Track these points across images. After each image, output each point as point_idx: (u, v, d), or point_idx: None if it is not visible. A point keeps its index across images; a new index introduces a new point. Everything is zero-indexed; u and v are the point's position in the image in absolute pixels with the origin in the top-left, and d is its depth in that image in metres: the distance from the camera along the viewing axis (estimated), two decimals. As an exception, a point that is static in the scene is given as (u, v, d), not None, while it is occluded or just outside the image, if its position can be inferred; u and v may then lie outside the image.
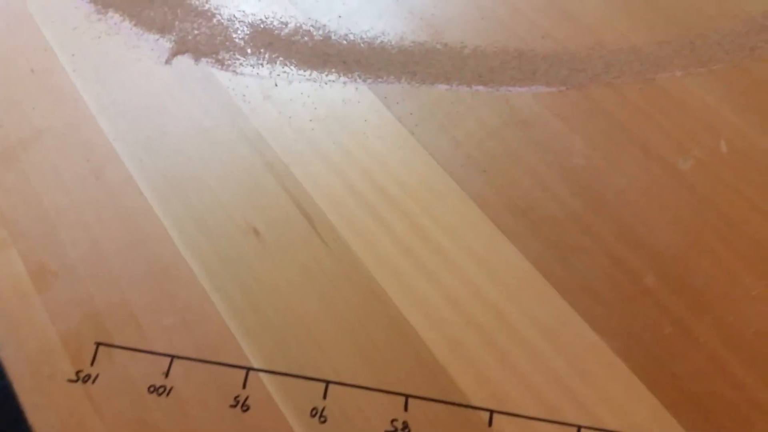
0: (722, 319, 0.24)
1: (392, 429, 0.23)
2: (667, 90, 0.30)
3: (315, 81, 0.31)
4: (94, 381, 0.25)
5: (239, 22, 0.33)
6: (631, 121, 0.29)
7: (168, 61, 0.32)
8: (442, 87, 0.30)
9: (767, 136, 0.28)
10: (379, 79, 0.31)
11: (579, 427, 0.23)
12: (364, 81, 0.31)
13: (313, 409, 0.23)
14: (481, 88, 0.30)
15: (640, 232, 0.26)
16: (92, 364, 0.25)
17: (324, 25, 0.33)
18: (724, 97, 0.29)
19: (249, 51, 0.32)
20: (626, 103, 0.29)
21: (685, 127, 0.29)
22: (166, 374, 0.25)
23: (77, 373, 0.25)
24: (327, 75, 0.31)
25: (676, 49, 0.31)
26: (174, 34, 0.33)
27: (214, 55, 0.32)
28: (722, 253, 0.26)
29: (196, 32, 0.33)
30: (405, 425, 0.23)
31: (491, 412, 0.23)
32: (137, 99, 0.31)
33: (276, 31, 0.33)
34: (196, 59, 0.32)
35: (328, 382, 0.24)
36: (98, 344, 0.25)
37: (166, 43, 0.33)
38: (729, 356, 0.23)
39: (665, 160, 0.28)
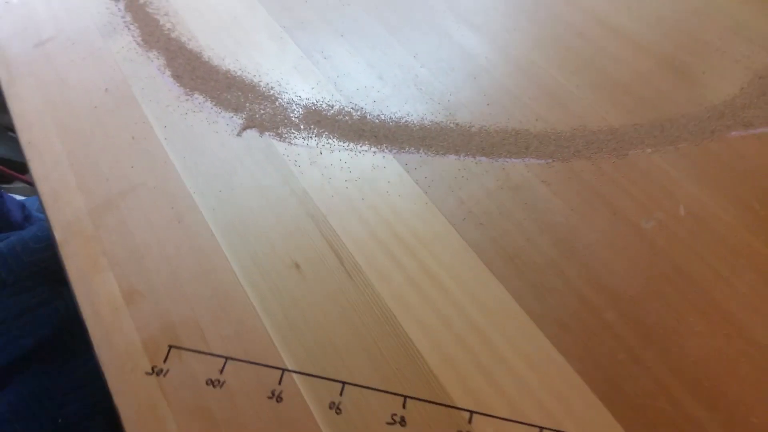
0: (668, 350, 0.29)
1: (392, 421, 0.29)
2: (637, 164, 0.36)
3: (351, 150, 0.39)
4: (165, 374, 0.32)
5: (296, 104, 0.42)
6: (604, 188, 0.35)
7: (239, 134, 0.41)
8: (452, 157, 0.38)
9: (720, 204, 0.34)
10: (402, 150, 0.38)
11: (541, 428, 0.28)
12: (390, 151, 0.38)
13: (332, 402, 0.30)
14: (483, 159, 0.37)
15: (604, 277, 0.32)
16: (165, 361, 0.32)
17: (362, 108, 0.41)
18: (685, 170, 0.35)
19: (302, 127, 0.41)
20: (601, 173, 0.36)
21: (650, 195, 0.35)
22: (221, 371, 0.32)
23: (153, 368, 0.32)
24: (361, 146, 0.39)
25: (648, 130, 0.37)
26: (245, 113, 0.42)
27: (274, 130, 0.41)
28: (672, 297, 0.31)
29: (262, 112, 0.42)
30: (402, 419, 0.29)
31: (471, 412, 0.29)
32: (214, 162, 0.40)
33: (324, 112, 0.41)
34: (261, 133, 0.41)
35: (344, 383, 0.30)
36: (170, 347, 0.33)
37: (238, 120, 0.42)
38: (671, 380, 0.29)
39: (630, 220, 0.34)
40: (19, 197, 0.89)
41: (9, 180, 1.19)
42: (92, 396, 0.61)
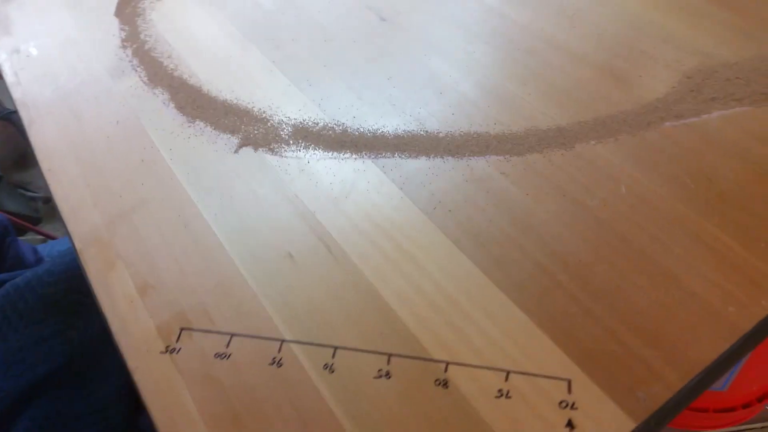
0: (614, 304, 0.34)
1: (378, 375, 0.33)
2: (583, 154, 0.41)
3: (335, 159, 0.44)
4: (178, 352, 0.36)
5: (285, 124, 0.48)
6: (555, 176, 0.40)
7: (236, 151, 0.46)
8: (423, 159, 0.43)
9: (656, 182, 0.39)
10: (380, 156, 0.44)
11: (508, 372, 0.32)
12: (369, 157, 0.44)
13: (326, 364, 0.34)
14: (450, 158, 0.43)
15: (556, 247, 0.37)
16: (177, 341, 0.37)
17: (343, 123, 0.47)
18: (625, 157, 0.41)
19: (291, 142, 0.46)
20: (552, 164, 0.41)
21: (594, 178, 0.40)
22: (227, 345, 0.36)
23: (166, 347, 0.37)
24: (343, 154, 0.44)
25: (591, 126, 0.43)
26: (240, 133, 0.47)
27: (267, 146, 0.46)
28: (617, 260, 0.36)
29: (255, 132, 0.47)
30: (387, 373, 0.33)
31: (447, 363, 0.33)
32: (214, 176, 0.45)
33: (310, 128, 0.47)
34: (255, 149, 0.46)
35: (335, 347, 0.35)
36: (182, 329, 0.37)
37: (235, 140, 0.47)
38: (619, 326, 0.33)
39: (577, 199, 0.39)
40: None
41: (23, 231, 1.24)
42: (105, 421, 0.64)
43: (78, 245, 0.43)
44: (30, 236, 1.31)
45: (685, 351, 0.32)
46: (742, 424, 0.63)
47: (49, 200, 1.55)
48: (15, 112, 1.32)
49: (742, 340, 0.32)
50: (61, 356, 0.66)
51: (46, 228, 1.41)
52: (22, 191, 1.55)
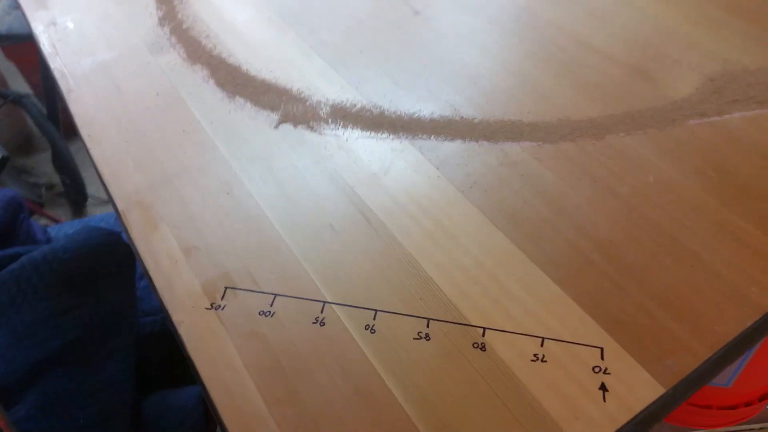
0: (644, 280, 0.36)
1: (418, 337, 0.35)
2: (613, 145, 0.43)
3: (373, 138, 0.46)
4: (223, 309, 0.38)
5: (323, 104, 0.49)
6: (586, 163, 0.42)
7: (276, 127, 0.48)
8: (459, 142, 0.45)
9: (681, 173, 0.41)
10: (417, 137, 0.46)
11: (543, 339, 0.34)
12: (407, 138, 0.46)
13: (367, 325, 0.36)
14: (485, 142, 0.44)
15: (588, 228, 0.39)
16: (222, 299, 0.38)
17: (380, 106, 0.49)
18: (653, 149, 0.43)
19: (330, 121, 0.48)
20: (583, 152, 0.43)
21: (624, 167, 0.42)
22: (271, 304, 0.37)
23: (212, 304, 0.38)
24: (381, 134, 0.46)
25: (621, 119, 0.45)
26: (280, 110, 0.49)
27: (306, 123, 0.48)
28: (645, 241, 0.38)
29: (295, 110, 0.49)
30: (427, 335, 0.35)
31: (484, 329, 0.35)
32: (255, 148, 0.47)
33: (348, 109, 0.49)
34: (295, 125, 0.48)
35: (376, 311, 0.36)
36: (226, 288, 0.39)
37: (275, 116, 0.49)
38: (648, 301, 0.35)
39: (608, 186, 0.41)
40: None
41: (30, 213, 1.25)
42: (111, 398, 0.65)
43: (121, 207, 0.44)
44: (34, 219, 1.31)
45: (711, 326, 0.34)
46: (742, 424, 0.65)
47: (52, 186, 1.55)
48: (25, 96, 1.32)
49: (763, 318, 0.34)
50: (72, 332, 0.66)
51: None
52: (25, 177, 1.55)
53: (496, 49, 0.52)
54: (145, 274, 0.40)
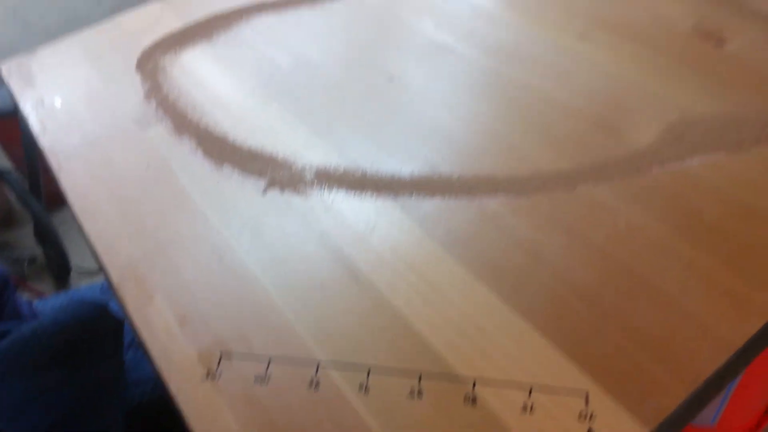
0: (621, 323, 0.38)
1: (411, 395, 0.36)
2: (583, 194, 0.46)
3: (357, 199, 0.48)
4: (219, 377, 0.39)
5: (308, 169, 0.52)
6: (559, 213, 0.45)
7: (264, 193, 0.50)
8: (439, 198, 0.47)
9: (650, 218, 0.44)
10: (398, 196, 0.48)
11: (531, 387, 0.35)
12: (389, 197, 0.48)
13: (361, 384, 0.37)
14: (463, 198, 0.47)
15: (566, 275, 0.41)
16: (217, 367, 0.39)
17: (363, 168, 0.51)
18: (622, 197, 0.45)
19: (315, 184, 0.50)
20: (555, 203, 0.46)
21: (596, 215, 0.44)
22: (266, 369, 0.38)
23: (208, 373, 0.39)
24: (365, 195, 0.48)
25: (588, 169, 0.48)
26: (267, 177, 0.51)
27: (293, 188, 0.50)
28: (622, 286, 0.40)
29: (281, 176, 0.51)
30: (419, 392, 0.36)
31: (474, 381, 0.36)
32: (244, 215, 0.49)
33: (332, 172, 0.51)
34: (282, 191, 0.50)
35: (369, 369, 0.38)
36: (222, 354, 0.40)
37: (261, 183, 0.51)
38: (627, 343, 0.37)
39: (582, 234, 0.43)
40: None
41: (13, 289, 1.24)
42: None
43: (115, 280, 0.45)
44: (18, 293, 1.30)
45: (687, 364, 0.35)
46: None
47: (34, 260, 1.54)
48: (7, 171, 1.33)
49: (736, 355, 0.36)
50: (62, 409, 0.66)
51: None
52: (8, 252, 1.55)
53: (467, 108, 0.55)
54: (141, 346, 0.41)
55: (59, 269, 1.45)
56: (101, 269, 0.47)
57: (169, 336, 0.41)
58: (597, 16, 0.64)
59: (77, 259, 1.45)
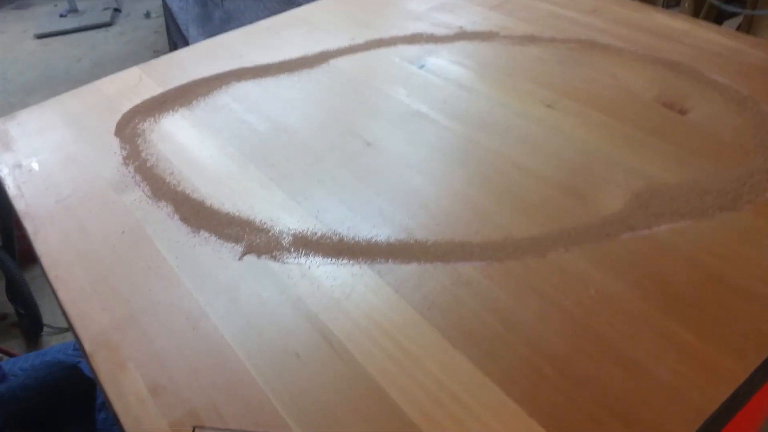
0: (594, 391, 0.38)
1: (387, 465, 0.36)
2: (554, 260, 0.47)
3: (334, 264, 0.49)
4: (191, 449, 0.38)
5: (285, 234, 0.52)
6: (531, 279, 0.46)
7: (240, 258, 0.50)
8: (415, 264, 0.48)
9: (619, 284, 0.45)
10: (375, 262, 0.48)
11: (506, 457, 0.35)
12: (366, 263, 0.48)
13: (336, 456, 0.36)
14: (438, 263, 0.48)
15: (539, 342, 0.41)
16: (190, 439, 0.38)
17: (339, 233, 0.52)
18: (591, 263, 0.47)
19: (292, 250, 0.50)
20: (527, 269, 0.47)
21: (566, 281, 0.45)
22: (240, 441, 0.38)
23: (180, 445, 0.38)
24: (341, 260, 0.49)
25: (559, 236, 0.49)
26: (244, 242, 0.52)
27: (269, 254, 0.50)
28: (593, 353, 0.40)
29: (258, 241, 0.52)
30: (395, 462, 0.36)
31: (450, 451, 0.36)
32: (220, 282, 0.49)
33: (309, 238, 0.51)
34: (258, 256, 0.50)
35: (345, 440, 0.37)
36: (194, 427, 0.39)
37: (238, 248, 0.51)
38: (600, 412, 0.37)
39: (553, 300, 0.44)
40: None
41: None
42: None
43: (88, 349, 0.45)
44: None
45: (657, 428, 0.36)
46: None
47: (5, 317, 1.50)
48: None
49: (707, 422, 0.36)
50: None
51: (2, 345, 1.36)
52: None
53: (442, 175, 0.57)
54: (114, 417, 0.40)
55: (31, 327, 1.41)
56: (74, 337, 0.47)
57: (141, 405, 0.41)
58: (564, 88, 0.67)
59: (48, 316, 1.42)
